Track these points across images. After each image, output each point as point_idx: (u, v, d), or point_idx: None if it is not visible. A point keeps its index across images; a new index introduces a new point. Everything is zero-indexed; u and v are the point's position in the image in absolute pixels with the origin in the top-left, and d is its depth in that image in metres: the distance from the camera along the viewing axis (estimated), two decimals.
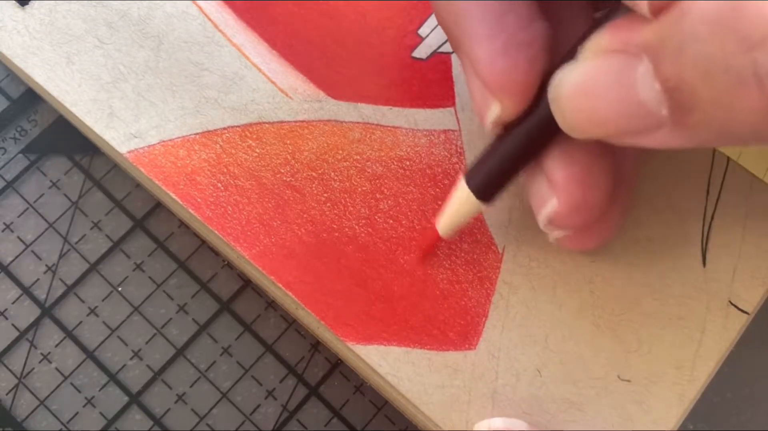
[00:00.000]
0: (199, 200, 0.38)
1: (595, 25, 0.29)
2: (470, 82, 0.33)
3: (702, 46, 0.24)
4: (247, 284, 0.41)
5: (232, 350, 0.40)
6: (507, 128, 0.32)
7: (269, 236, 0.37)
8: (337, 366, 0.40)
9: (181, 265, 0.41)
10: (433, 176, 0.39)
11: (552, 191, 0.33)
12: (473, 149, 0.39)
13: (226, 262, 0.41)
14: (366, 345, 0.36)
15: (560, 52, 0.31)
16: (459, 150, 0.39)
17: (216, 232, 0.37)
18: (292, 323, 0.41)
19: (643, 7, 0.25)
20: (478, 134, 0.39)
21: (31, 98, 0.43)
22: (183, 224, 0.42)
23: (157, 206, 0.42)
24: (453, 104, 0.40)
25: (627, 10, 0.27)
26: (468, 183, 0.34)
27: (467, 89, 0.34)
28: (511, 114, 0.32)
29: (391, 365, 0.36)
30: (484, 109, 0.32)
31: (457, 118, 0.40)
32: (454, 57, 0.41)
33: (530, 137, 0.32)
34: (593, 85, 0.28)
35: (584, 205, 0.33)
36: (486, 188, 0.34)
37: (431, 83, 0.40)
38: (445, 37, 0.40)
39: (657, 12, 0.25)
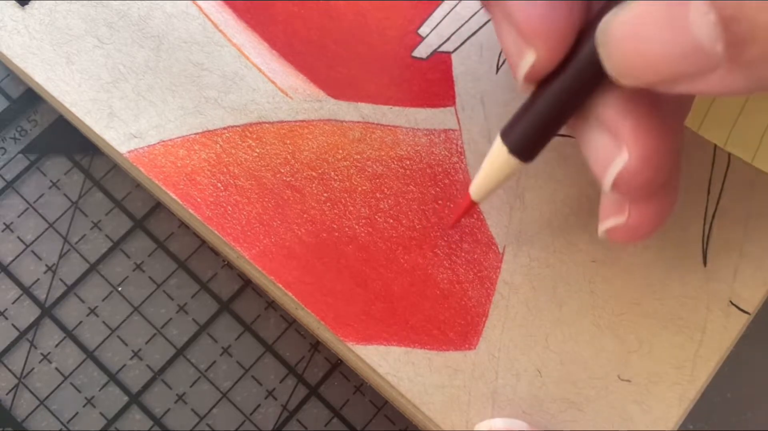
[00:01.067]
0: (198, 200, 0.38)
1: None
2: (502, 33, 0.31)
3: None
4: (247, 284, 0.41)
5: (232, 350, 0.40)
6: (540, 84, 0.31)
7: (269, 236, 0.37)
8: (337, 366, 0.40)
9: (181, 265, 0.41)
10: (433, 175, 0.39)
11: (619, 143, 0.30)
12: (473, 149, 0.39)
13: (226, 262, 0.41)
14: (366, 345, 0.36)
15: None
16: (459, 149, 0.39)
17: (216, 232, 0.37)
18: (292, 323, 0.41)
19: None
20: (478, 133, 0.39)
21: (31, 98, 0.43)
22: (183, 224, 0.42)
23: (157, 206, 0.42)
24: (453, 104, 0.40)
25: None
26: (504, 140, 0.32)
27: (500, 43, 0.32)
28: (546, 63, 0.30)
29: (391, 365, 0.36)
30: (517, 59, 0.31)
31: (457, 117, 0.40)
32: (454, 56, 0.40)
33: (571, 87, 0.30)
34: (644, 26, 0.26)
35: (657, 157, 0.30)
36: (525, 145, 0.32)
37: (431, 83, 0.40)
38: (445, 37, 0.40)
39: None
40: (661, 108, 0.30)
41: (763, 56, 0.24)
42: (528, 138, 0.31)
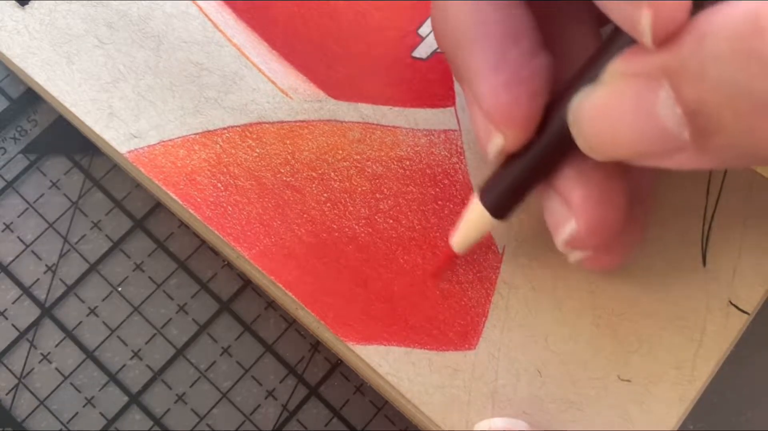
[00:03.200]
0: (199, 200, 0.38)
1: (608, 46, 0.29)
2: (472, 111, 0.33)
3: (724, 69, 0.23)
4: (247, 284, 0.41)
5: (232, 350, 0.40)
6: (510, 156, 0.33)
7: (269, 236, 0.38)
8: (337, 366, 0.40)
9: (181, 265, 0.41)
10: (433, 175, 0.39)
11: (569, 212, 0.33)
12: (473, 149, 0.39)
13: (226, 262, 0.41)
14: (366, 345, 0.36)
15: (564, 71, 0.32)
16: (459, 150, 0.39)
17: (216, 232, 0.38)
18: (292, 323, 0.41)
19: (646, 37, 0.25)
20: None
21: (31, 98, 0.43)
22: (183, 224, 0.42)
23: (157, 206, 0.42)
24: (453, 104, 0.40)
25: None
26: (482, 201, 0.34)
27: (469, 118, 0.34)
28: (513, 145, 0.32)
29: (391, 365, 0.36)
30: (486, 139, 0.33)
31: (457, 117, 0.40)
32: None
33: (540, 159, 0.32)
34: (613, 108, 0.28)
35: (602, 225, 0.33)
36: (500, 206, 0.34)
37: (431, 83, 0.40)
38: None
39: (660, 43, 0.25)
40: (622, 172, 0.32)
41: (728, 145, 0.25)
42: (502, 201, 0.34)
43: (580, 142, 0.30)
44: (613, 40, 0.29)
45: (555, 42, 0.33)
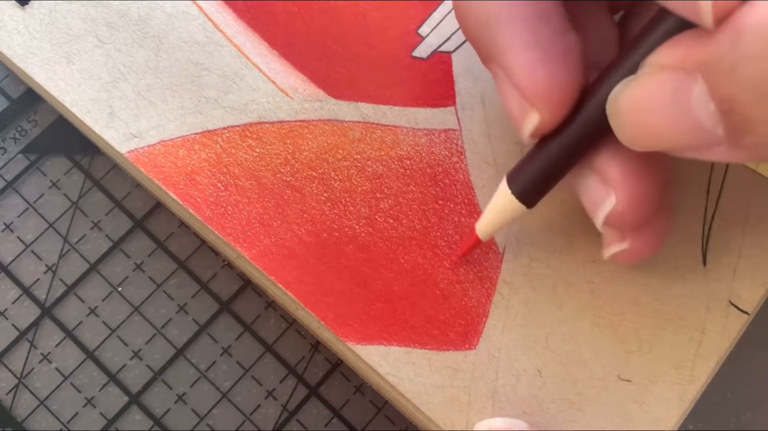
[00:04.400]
0: (199, 200, 0.38)
1: (645, 37, 0.29)
2: (505, 92, 0.33)
3: (755, 67, 0.24)
4: (247, 284, 0.42)
5: (232, 350, 0.41)
6: (544, 137, 0.33)
7: (269, 236, 0.38)
8: (337, 366, 0.41)
9: (181, 265, 0.42)
10: (433, 175, 0.39)
11: (608, 188, 0.33)
12: (473, 148, 0.39)
13: (226, 262, 0.42)
14: (366, 345, 0.37)
15: (588, 62, 0.32)
16: (459, 149, 0.39)
17: (216, 232, 0.38)
18: (292, 323, 0.41)
19: (707, 17, 0.25)
20: (479, 132, 0.39)
21: (31, 98, 0.44)
22: (183, 224, 0.42)
23: (157, 206, 0.42)
24: (453, 103, 0.40)
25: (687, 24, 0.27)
26: (511, 187, 0.34)
27: (501, 100, 0.34)
28: (550, 124, 0.32)
29: (392, 365, 0.36)
30: (521, 119, 0.33)
31: (457, 117, 0.40)
32: (454, 56, 0.41)
33: (575, 143, 0.32)
34: (651, 101, 0.28)
35: (642, 199, 0.33)
36: (530, 192, 0.34)
37: (432, 82, 0.41)
38: (445, 37, 0.41)
39: (720, 22, 0.25)
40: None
41: (759, 144, 0.25)
42: (532, 187, 0.34)
43: (618, 133, 0.30)
44: (651, 30, 0.29)
45: (579, 28, 0.33)
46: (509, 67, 0.32)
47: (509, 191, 0.34)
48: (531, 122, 0.32)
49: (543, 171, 0.33)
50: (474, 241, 0.37)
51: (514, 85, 0.32)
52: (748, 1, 0.24)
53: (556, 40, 0.32)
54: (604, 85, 0.30)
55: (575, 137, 0.32)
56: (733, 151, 0.27)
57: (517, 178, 0.34)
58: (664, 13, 0.28)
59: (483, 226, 0.36)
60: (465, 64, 0.41)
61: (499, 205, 0.35)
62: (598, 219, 0.34)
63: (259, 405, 0.40)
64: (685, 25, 0.27)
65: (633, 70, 0.29)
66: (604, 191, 0.33)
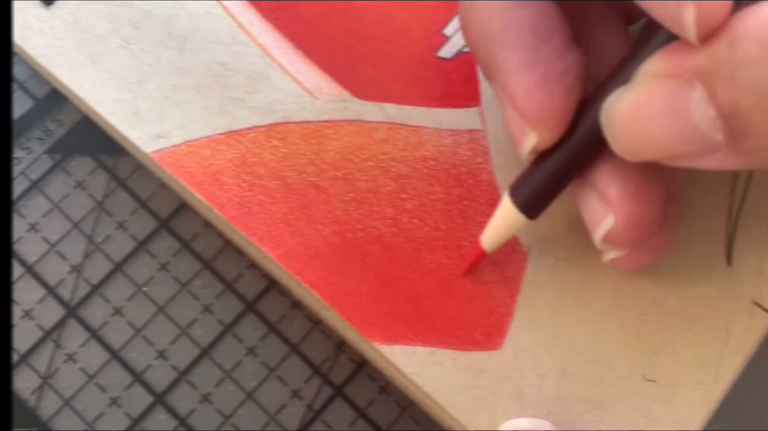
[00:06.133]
0: (224, 200, 0.39)
1: (640, 47, 0.30)
2: (505, 109, 0.34)
3: (755, 73, 0.24)
4: (272, 284, 0.42)
5: (257, 350, 0.41)
6: (542, 154, 0.34)
7: (294, 236, 0.39)
8: (362, 366, 0.41)
9: (206, 265, 0.42)
10: (458, 175, 0.40)
11: (607, 208, 0.34)
12: (498, 149, 0.40)
13: (251, 262, 0.42)
14: (391, 345, 0.37)
15: (595, 70, 0.33)
16: (484, 150, 0.40)
17: (241, 232, 0.39)
18: (317, 323, 0.42)
19: (690, 33, 0.26)
20: (503, 133, 0.40)
21: (55, 98, 0.44)
22: (208, 225, 0.43)
23: (182, 206, 0.43)
24: (478, 104, 0.41)
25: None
26: (513, 200, 0.35)
27: (502, 115, 0.35)
28: (547, 143, 0.33)
29: (417, 365, 0.37)
30: (519, 137, 0.34)
31: (482, 118, 0.41)
32: None
33: (573, 157, 0.34)
34: (646, 110, 0.29)
35: (640, 220, 0.34)
36: (531, 205, 0.35)
37: (456, 83, 0.41)
38: None
39: (705, 38, 0.26)
40: (658, 166, 0.33)
41: (761, 147, 0.26)
42: (533, 200, 0.35)
43: (613, 144, 0.31)
44: (645, 41, 0.30)
45: (584, 41, 0.34)
46: (508, 87, 0.33)
47: (511, 203, 0.36)
48: (528, 143, 0.34)
49: (543, 184, 0.35)
50: (479, 253, 0.38)
51: (513, 106, 0.33)
52: (744, 8, 0.25)
53: (557, 59, 0.33)
54: (600, 98, 0.31)
55: (574, 152, 0.33)
56: (731, 157, 0.27)
57: (519, 190, 0.36)
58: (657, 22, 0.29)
59: (487, 237, 0.37)
60: None
61: (502, 217, 0.36)
62: (597, 237, 0.35)
63: (284, 405, 0.41)
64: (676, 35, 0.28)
65: (627, 80, 0.30)
66: (603, 210, 0.34)
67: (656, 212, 0.34)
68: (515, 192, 0.36)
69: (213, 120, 0.40)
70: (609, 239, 0.35)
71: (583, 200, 0.35)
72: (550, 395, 0.37)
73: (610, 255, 0.36)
